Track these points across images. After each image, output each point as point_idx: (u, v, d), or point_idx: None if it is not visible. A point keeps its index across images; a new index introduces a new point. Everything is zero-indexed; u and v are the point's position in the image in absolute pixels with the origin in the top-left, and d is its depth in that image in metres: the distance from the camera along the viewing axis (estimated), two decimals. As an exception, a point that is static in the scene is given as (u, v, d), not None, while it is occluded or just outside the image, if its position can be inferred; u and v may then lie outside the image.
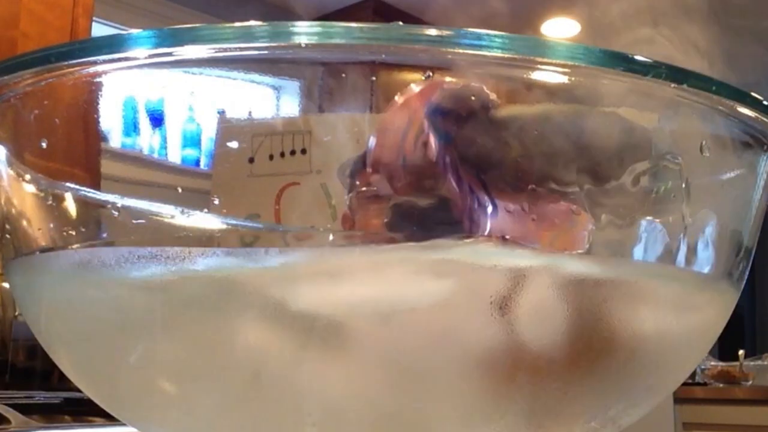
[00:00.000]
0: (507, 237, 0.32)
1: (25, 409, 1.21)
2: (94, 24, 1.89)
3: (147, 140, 0.38)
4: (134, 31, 0.29)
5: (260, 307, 0.29)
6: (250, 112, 0.37)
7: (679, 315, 0.33)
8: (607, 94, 0.31)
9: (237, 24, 0.28)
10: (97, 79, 0.31)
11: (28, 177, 0.35)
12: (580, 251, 0.33)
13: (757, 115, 0.32)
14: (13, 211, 0.35)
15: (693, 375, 2.81)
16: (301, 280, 0.29)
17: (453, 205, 0.34)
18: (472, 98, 0.33)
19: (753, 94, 0.32)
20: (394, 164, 0.34)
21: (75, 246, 0.35)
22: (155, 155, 0.38)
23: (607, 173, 0.32)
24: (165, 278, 0.30)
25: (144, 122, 0.36)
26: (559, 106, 0.31)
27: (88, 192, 0.35)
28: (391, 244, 0.33)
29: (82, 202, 0.35)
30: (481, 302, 0.29)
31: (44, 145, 0.34)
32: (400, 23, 0.29)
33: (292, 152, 0.38)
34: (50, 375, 1.51)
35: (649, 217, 0.34)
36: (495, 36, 0.28)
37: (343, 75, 0.32)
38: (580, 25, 3.07)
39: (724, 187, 0.35)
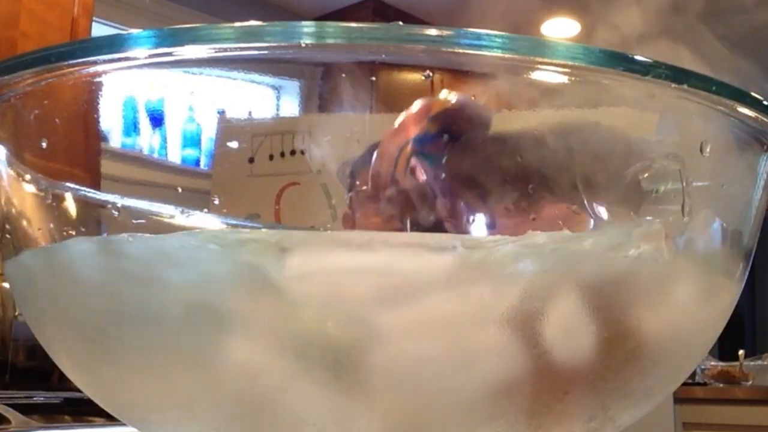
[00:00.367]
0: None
1: (25, 409, 1.21)
2: (94, 24, 1.89)
3: (147, 140, 0.38)
4: (134, 31, 0.29)
5: (258, 301, 0.29)
6: (250, 112, 0.37)
7: (678, 315, 0.33)
8: (607, 94, 0.31)
9: (237, 24, 0.28)
10: (97, 79, 0.31)
11: (28, 177, 0.35)
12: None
13: (757, 115, 0.32)
14: (13, 210, 0.35)
15: (693, 375, 2.81)
16: (296, 248, 0.29)
17: (451, 226, 0.34)
18: (467, 117, 0.34)
19: (753, 94, 0.32)
20: (389, 190, 0.35)
21: (74, 246, 0.35)
22: (155, 155, 0.38)
23: (605, 178, 0.32)
24: (165, 276, 0.30)
25: (144, 122, 0.36)
26: (553, 123, 0.32)
27: (88, 192, 0.35)
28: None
29: (82, 202, 0.35)
30: (488, 310, 0.29)
31: (44, 145, 0.34)
32: (400, 23, 0.29)
33: (292, 152, 0.38)
34: (50, 375, 1.51)
35: (649, 218, 0.34)
36: (495, 36, 0.28)
37: (343, 75, 0.32)
38: (580, 25, 3.07)
39: (724, 187, 0.35)
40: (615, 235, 0.31)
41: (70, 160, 0.35)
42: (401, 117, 0.36)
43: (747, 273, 0.37)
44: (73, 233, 0.35)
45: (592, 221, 0.33)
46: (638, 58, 0.29)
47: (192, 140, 0.39)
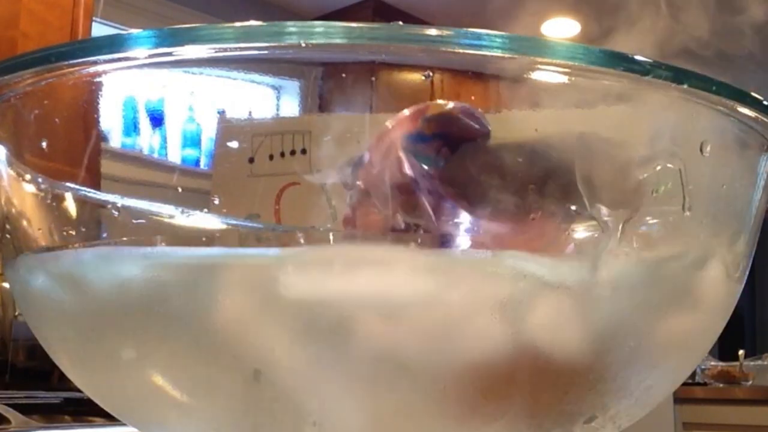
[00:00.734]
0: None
1: (25, 409, 1.21)
2: (94, 24, 1.89)
3: (147, 140, 0.38)
4: (134, 31, 0.29)
5: (257, 296, 0.29)
6: (250, 112, 0.37)
7: (678, 315, 0.33)
8: (607, 94, 0.31)
9: (237, 24, 0.28)
10: (97, 79, 0.31)
11: (28, 177, 0.35)
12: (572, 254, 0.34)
13: (757, 115, 0.32)
14: (14, 210, 0.35)
15: (693, 375, 2.81)
16: (298, 268, 0.29)
17: (436, 225, 0.34)
18: (463, 124, 0.34)
19: (753, 94, 0.32)
20: (379, 184, 0.35)
21: (75, 245, 0.35)
22: (155, 155, 0.38)
23: (603, 183, 0.32)
24: (164, 276, 0.30)
25: (144, 122, 0.36)
26: (549, 131, 0.32)
27: (88, 192, 0.35)
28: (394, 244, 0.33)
29: (82, 202, 0.35)
30: (480, 305, 0.29)
31: (44, 145, 0.34)
32: (400, 23, 0.29)
33: (292, 152, 0.38)
34: (50, 375, 1.51)
35: (648, 218, 0.34)
36: (495, 36, 0.28)
37: (343, 75, 0.32)
38: (579, 25, 3.07)
39: (724, 187, 0.35)
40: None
41: (70, 160, 0.35)
42: (398, 115, 0.36)
43: (747, 273, 0.37)
44: (73, 233, 0.35)
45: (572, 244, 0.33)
46: (638, 58, 0.29)
47: (192, 140, 0.39)
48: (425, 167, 0.35)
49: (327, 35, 0.28)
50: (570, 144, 0.32)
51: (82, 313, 0.32)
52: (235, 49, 0.29)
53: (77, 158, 0.35)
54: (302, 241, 0.34)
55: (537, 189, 0.31)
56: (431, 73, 0.32)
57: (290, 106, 0.36)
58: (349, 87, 0.33)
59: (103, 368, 0.33)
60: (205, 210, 0.35)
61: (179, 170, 0.37)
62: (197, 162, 0.40)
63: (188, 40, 0.28)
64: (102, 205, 0.36)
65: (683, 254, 0.34)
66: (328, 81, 0.33)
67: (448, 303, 0.29)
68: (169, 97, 0.34)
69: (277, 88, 0.33)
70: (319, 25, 0.28)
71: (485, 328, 0.29)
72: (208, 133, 0.35)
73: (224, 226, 0.35)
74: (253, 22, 0.28)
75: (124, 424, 0.35)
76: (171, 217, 0.34)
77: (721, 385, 2.84)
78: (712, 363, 2.91)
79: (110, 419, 0.36)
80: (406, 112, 0.36)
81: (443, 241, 0.32)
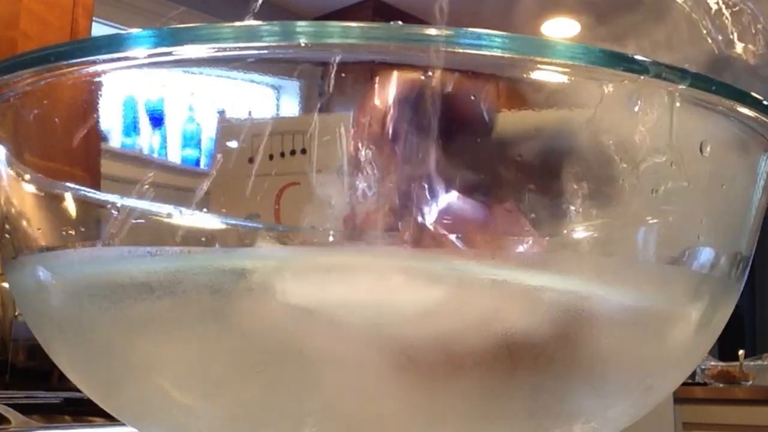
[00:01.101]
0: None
1: (25, 409, 1.21)
2: (94, 24, 1.89)
3: (147, 140, 0.38)
4: (134, 31, 0.29)
5: (256, 301, 0.29)
6: (250, 112, 0.37)
7: (678, 314, 0.33)
8: (607, 94, 0.31)
9: (237, 23, 0.28)
10: (97, 79, 0.31)
11: (27, 177, 0.35)
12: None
13: (756, 115, 0.32)
14: (13, 210, 0.35)
15: (693, 375, 2.81)
16: (296, 275, 0.29)
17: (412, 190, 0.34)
18: (465, 99, 0.33)
19: (753, 94, 0.32)
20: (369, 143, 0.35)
21: (75, 245, 0.35)
22: (155, 155, 0.38)
23: (598, 179, 0.32)
24: (164, 276, 0.30)
25: (144, 122, 0.36)
26: (548, 123, 0.32)
27: (88, 192, 0.35)
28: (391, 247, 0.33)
29: (81, 202, 0.35)
30: (477, 312, 0.29)
31: (44, 145, 0.34)
32: (400, 23, 0.29)
33: (292, 152, 0.38)
34: (50, 375, 1.51)
35: (648, 218, 0.34)
36: (495, 36, 0.28)
37: (343, 75, 0.32)
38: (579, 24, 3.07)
39: (724, 187, 0.35)
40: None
41: (69, 160, 0.35)
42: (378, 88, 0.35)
43: (747, 273, 0.37)
44: (73, 233, 0.35)
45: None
46: (638, 57, 0.29)
47: (192, 140, 0.39)
48: (414, 127, 0.35)
49: (327, 35, 0.28)
50: (566, 140, 0.32)
51: (81, 313, 0.32)
52: (235, 48, 0.29)
53: (77, 158, 0.35)
54: (302, 242, 0.34)
55: (524, 181, 0.31)
56: (431, 73, 0.32)
57: (290, 106, 0.35)
58: (349, 87, 0.33)
59: (103, 368, 0.33)
60: (205, 210, 0.35)
61: (179, 170, 0.37)
62: (197, 162, 0.40)
63: (188, 39, 0.28)
64: (102, 205, 0.36)
65: (683, 254, 0.34)
66: (328, 81, 0.33)
67: (444, 311, 0.29)
68: (169, 97, 0.34)
69: (277, 88, 0.33)
70: (318, 25, 0.28)
71: (482, 335, 0.29)
72: (208, 133, 0.35)
73: (224, 226, 0.35)
74: (252, 22, 0.28)
75: (124, 424, 0.35)
76: (171, 217, 0.34)
77: (721, 385, 2.84)
78: (712, 363, 2.91)
79: (110, 419, 0.36)
80: (411, 74, 0.36)
81: (421, 228, 0.32)
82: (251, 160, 0.38)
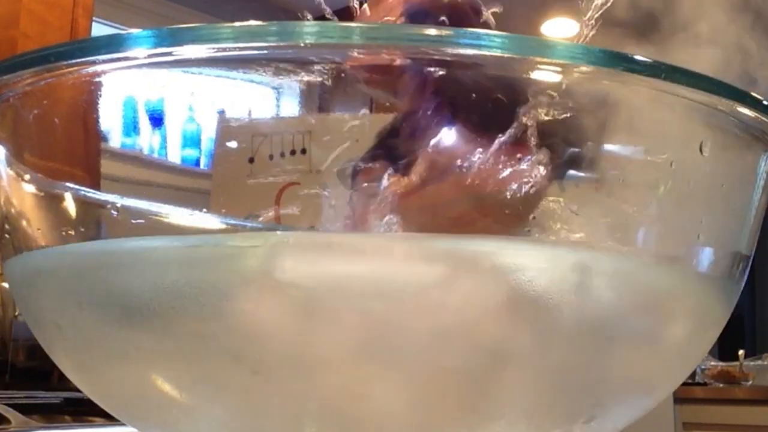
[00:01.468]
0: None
1: (25, 409, 1.21)
2: (94, 24, 1.89)
3: (147, 140, 0.38)
4: (133, 31, 0.29)
5: (256, 285, 0.29)
6: (250, 112, 0.37)
7: (678, 314, 0.33)
8: (606, 94, 0.31)
9: (236, 23, 0.28)
10: (97, 79, 0.31)
11: (27, 177, 0.35)
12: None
13: (756, 114, 0.32)
14: (13, 210, 0.35)
15: (693, 375, 2.81)
16: (296, 252, 0.29)
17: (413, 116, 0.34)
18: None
19: (753, 93, 0.32)
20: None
21: (74, 245, 0.35)
22: (155, 155, 0.38)
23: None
24: (163, 272, 0.30)
25: (144, 122, 0.36)
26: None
27: (88, 192, 0.35)
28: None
29: (81, 202, 0.35)
30: (479, 295, 0.29)
31: (44, 145, 0.34)
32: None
33: (292, 152, 0.38)
34: (50, 375, 1.51)
35: (649, 216, 0.34)
36: (494, 36, 0.28)
37: (343, 75, 0.32)
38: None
39: (724, 187, 0.35)
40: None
41: (69, 160, 0.35)
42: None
43: (747, 273, 0.37)
44: (73, 233, 0.35)
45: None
46: (638, 57, 0.29)
47: (192, 140, 0.39)
48: None
49: (326, 35, 0.28)
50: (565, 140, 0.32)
51: (80, 312, 0.32)
52: (235, 48, 0.29)
53: (77, 158, 0.35)
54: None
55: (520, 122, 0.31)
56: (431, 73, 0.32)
57: (290, 106, 0.35)
58: (348, 87, 0.33)
59: (103, 368, 0.33)
60: (205, 210, 0.35)
61: (179, 170, 0.38)
62: (197, 162, 0.40)
63: (187, 39, 0.28)
64: (101, 205, 0.36)
65: (682, 254, 0.34)
66: (328, 81, 0.33)
67: (446, 290, 0.29)
68: (169, 97, 0.34)
69: (277, 88, 0.33)
70: (318, 25, 0.28)
71: (483, 318, 0.29)
72: (208, 133, 0.35)
73: (224, 226, 0.35)
74: (252, 22, 0.28)
75: (124, 424, 0.35)
76: (170, 216, 0.34)
77: (721, 385, 2.84)
78: (712, 363, 2.91)
79: (110, 419, 0.36)
80: None
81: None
82: (251, 160, 0.38)
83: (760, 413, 2.62)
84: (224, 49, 0.29)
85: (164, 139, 0.38)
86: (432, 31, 0.28)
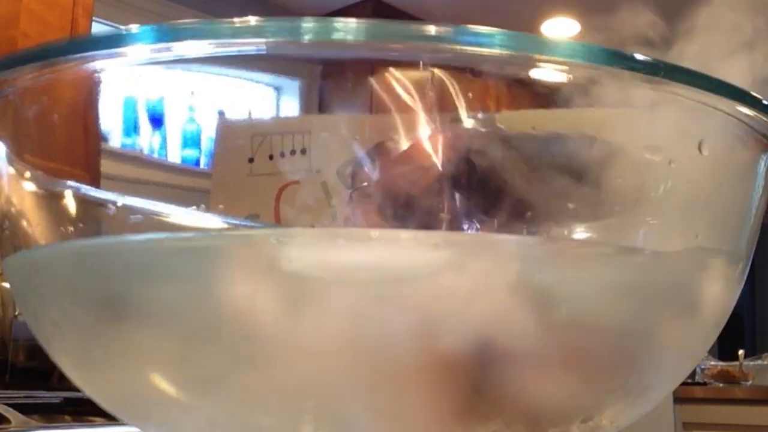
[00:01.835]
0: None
1: (25, 409, 1.21)
2: (94, 24, 1.89)
3: (147, 140, 0.38)
4: (132, 27, 0.29)
5: (259, 278, 0.29)
6: (250, 112, 0.37)
7: (678, 314, 0.33)
8: (606, 93, 0.31)
9: (236, 19, 0.28)
10: (96, 76, 0.31)
11: (27, 175, 0.35)
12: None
13: (756, 114, 0.32)
14: (13, 209, 0.35)
15: (693, 375, 2.81)
16: (301, 243, 0.29)
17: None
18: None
19: (752, 93, 0.32)
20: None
21: (73, 242, 0.35)
22: (155, 155, 0.38)
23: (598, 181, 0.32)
24: (163, 266, 0.30)
25: (144, 122, 0.36)
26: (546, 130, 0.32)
27: (88, 190, 0.35)
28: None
29: (81, 201, 0.35)
30: (486, 285, 0.29)
31: (44, 143, 0.34)
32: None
33: (292, 152, 0.38)
34: (50, 375, 1.51)
35: (647, 217, 0.34)
36: (494, 33, 0.28)
37: (342, 73, 0.32)
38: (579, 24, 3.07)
39: (723, 187, 0.35)
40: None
41: (69, 159, 0.35)
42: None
43: (747, 273, 0.37)
44: (72, 231, 0.35)
45: None
46: (638, 56, 0.29)
47: (192, 140, 0.39)
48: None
49: (326, 32, 0.28)
50: (564, 139, 0.32)
51: (79, 311, 0.32)
52: (234, 45, 0.29)
53: (76, 157, 0.35)
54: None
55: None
56: (431, 72, 0.32)
57: (290, 106, 0.36)
58: (348, 85, 0.33)
59: (102, 367, 0.33)
60: (203, 207, 0.35)
61: (179, 170, 0.37)
62: (197, 162, 0.40)
63: (186, 36, 0.28)
64: (101, 203, 0.36)
65: (682, 254, 0.34)
66: (328, 79, 0.33)
67: (454, 270, 0.29)
68: (169, 97, 0.34)
69: (277, 88, 0.33)
70: (318, 21, 0.28)
71: (487, 309, 0.29)
72: (208, 133, 0.35)
73: (224, 226, 0.35)
74: (252, 18, 0.28)
75: (124, 424, 0.35)
76: (170, 216, 0.34)
77: (721, 385, 2.84)
78: (712, 363, 2.91)
79: (110, 419, 0.36)
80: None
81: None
82: (251, 160, 0.38)
83: (760, 413, 2.62)
84: (223, 45, 0.29)
85: (164, 139, 0.38)
86: (431, 29, 0.28)
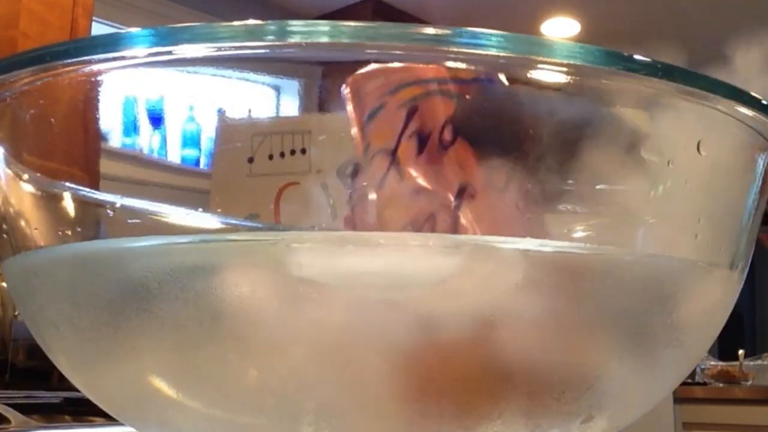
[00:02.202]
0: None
1: (25, 409, 1.21)
2: (94, 24, 1.89)
3: (147, 140, 0.38)
4: (131, 30, 0.29)
5: (265, 282, 0.29)
6: (250, 112, 0.37)
7: (678, 314, 0.33)
8: (605, 93, 0.31)
9: (235, 22, 0.28)
10: (94, 79, 0.31)
11: (25, 176, 0.35)
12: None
13: (755, 114, 0.32)
14: (11, 210, 0.35)
15: (693, 375, 2.81)
16: (310, 248, 0.29)
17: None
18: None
19: (752, 93, 0.32)
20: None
21: (72, 244, 0.35)
22: (155, 155, 0.38)
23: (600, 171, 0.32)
24: (163, 269, 0.30)
25: (144, 122, 0.36)
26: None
27: (87, 192, 0.35)
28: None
29: (80, 202, 0.35)
30: (493, 290, 0.29)
31: (42, 145, 0.34)
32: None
33: (292, 152, 0.38)
34: (50, 375, 1.51)
35: (646, 217, 0.34)
36: (492, 35, 0.28)
37: (342, 74, 0.32)
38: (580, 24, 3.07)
39: (723, 187, 0.35)
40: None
41: (68, 160, 0.35)
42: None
43: (746, 272, 0.37)
44: (70, 233, 0.35)
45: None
46: (636, 57, 0.29)
47: (192, 140, 0.39)
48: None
49: (325, 34, 0.28)
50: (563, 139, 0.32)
51: (78, 312, 0.32)
52: (233, 47, 0.29)
53: (75, 158, 0.35)
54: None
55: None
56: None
57: (290, 106, 0.36)
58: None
59: (101, 368, 0.33)
60: (201, 208, 0.35)
61: (179, 170, 0.38)
62: (197, 162, 0.40)
63: (186, 38, 0.28)
64: (100, 205, 0.36)
65: (681, 253, 0.34)
66: (328, 80, 0.33)
67: (464, 278, 0.29)
68: (169, 97, 0.34)
69: (277, 88, 0.33)
70: (317, 23, 0.28)
71: (494, 315, 0.29)
72: (208, 133, 0.35)
73: (223, 226, 0.35)
74: (251, 21, 0.28)
75: (123, 424, 0.35)
76: (169, 216, 0.34)
77: (721, 385, 2.84)
78: (712, 363, 2.91)
79: (110, 419, 0.36)
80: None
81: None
82: (251, 160, 0.38)
83: (760, 413, 2.62)
84: (222, 49, 0.29)
85: (164, 139, 0.38)
86: (430, 30, 0.28)
